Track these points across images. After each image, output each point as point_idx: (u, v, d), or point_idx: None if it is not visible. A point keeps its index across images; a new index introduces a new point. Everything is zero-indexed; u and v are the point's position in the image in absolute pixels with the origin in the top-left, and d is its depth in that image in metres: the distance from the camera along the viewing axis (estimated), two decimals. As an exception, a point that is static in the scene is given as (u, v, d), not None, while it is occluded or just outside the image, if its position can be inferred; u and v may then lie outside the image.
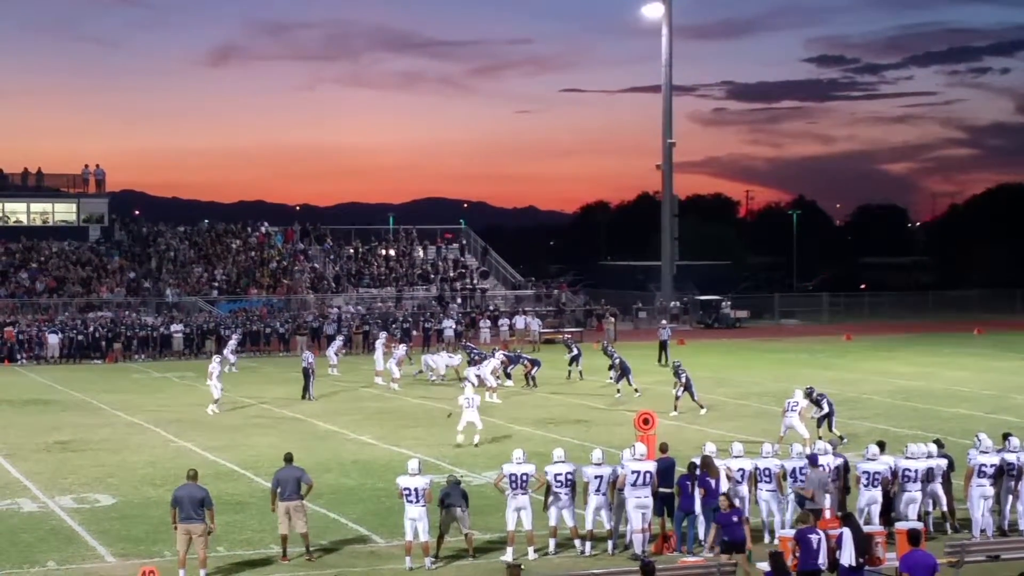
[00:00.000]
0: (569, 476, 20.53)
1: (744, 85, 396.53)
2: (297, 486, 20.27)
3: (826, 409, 31.33)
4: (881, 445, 22.08)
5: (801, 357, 56.24)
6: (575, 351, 46.79)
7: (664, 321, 58.70)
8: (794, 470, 21.22)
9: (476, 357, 44.61)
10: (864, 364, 52.43)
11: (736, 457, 21.49)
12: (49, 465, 29.15)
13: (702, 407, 36.84)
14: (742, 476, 21.25)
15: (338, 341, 52.33)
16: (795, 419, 30.44)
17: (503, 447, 29.76)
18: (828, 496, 20.91)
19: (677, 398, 36.93)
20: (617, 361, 41.24)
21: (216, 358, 40.39)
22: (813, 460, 21.20)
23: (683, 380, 36.85)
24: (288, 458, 20.81)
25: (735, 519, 19.02)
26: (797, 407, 30.63)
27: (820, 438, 28.36)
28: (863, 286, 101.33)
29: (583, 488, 20.66)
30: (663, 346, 53.34)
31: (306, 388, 40.98)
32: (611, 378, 41.49)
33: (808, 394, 31.50)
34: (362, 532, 22.22)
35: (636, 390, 41.01)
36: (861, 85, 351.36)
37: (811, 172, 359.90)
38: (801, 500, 20.92)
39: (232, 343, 52.27)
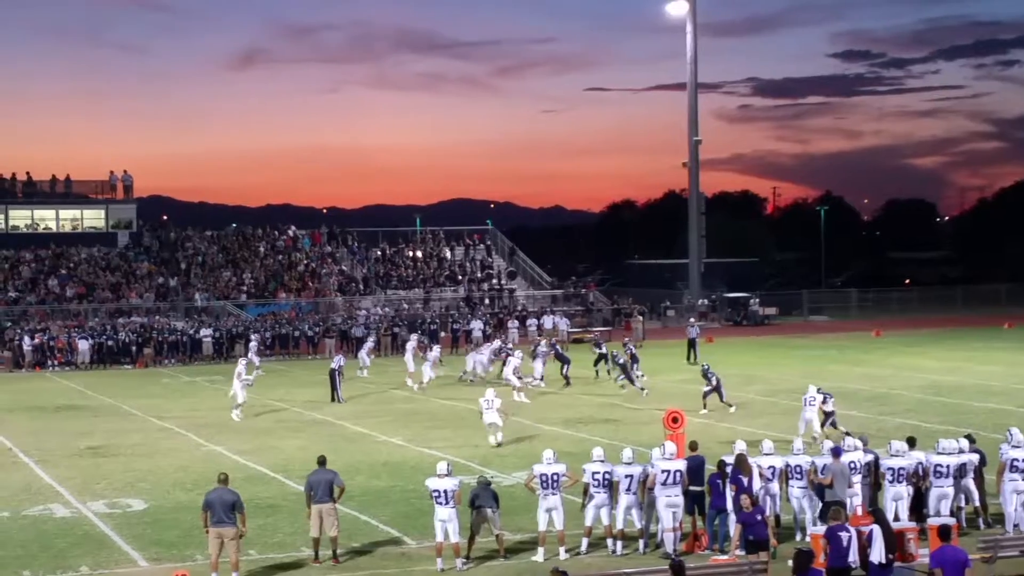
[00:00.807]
0: (607, 475, 20.53)
1: (769, 81, 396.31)
2: (329, 489, 20.31)
3: (829, 407, 31.34)
4: (911, 441, 22.02)
5: (830, 354, 56.07)
6: (602, 350, 46.78)
7: (692, 319, 58.60)
8: (824, 467, 21.14)
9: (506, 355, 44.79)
10: (894, 360, 52.25)
11: (767, 455, 21.44)
12: (81, 470, 29.30)
13: (731, 406, 36.77)
14: (773, 473, 21.22)
15: (369, 343, 52.47)
16: (813, 413, 30.63)
17: (532, 447, 29.79)
18: (853, 490, 20.87)
19: (705, 395, 36.90)
20: (621, 361, 41.91)
21: (241, 361, 40.53)
22: (837, 452, 21.12)
23: (713, 382, 36.81)
24: (321, 461, 20.87)
25: (758, 518, 18.99)
26: (815, 402, 30.66)
27: (823, 436, 28.51)
28: (907, 281, 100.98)
29: (614, 487, 20.65)
30: (691, 344, 53.33)
31: (334, 390, 41.11)
32: (617, 378, 42.05)
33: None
34: (393, 534, 22.26)
35: (638, 386, 41.58)
36: (887, 80, 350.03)
37: (838, 168, 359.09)
38: (820, 491, 20.81)
39: (253, 344, 52.43)
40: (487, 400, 31.78)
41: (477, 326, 62.45)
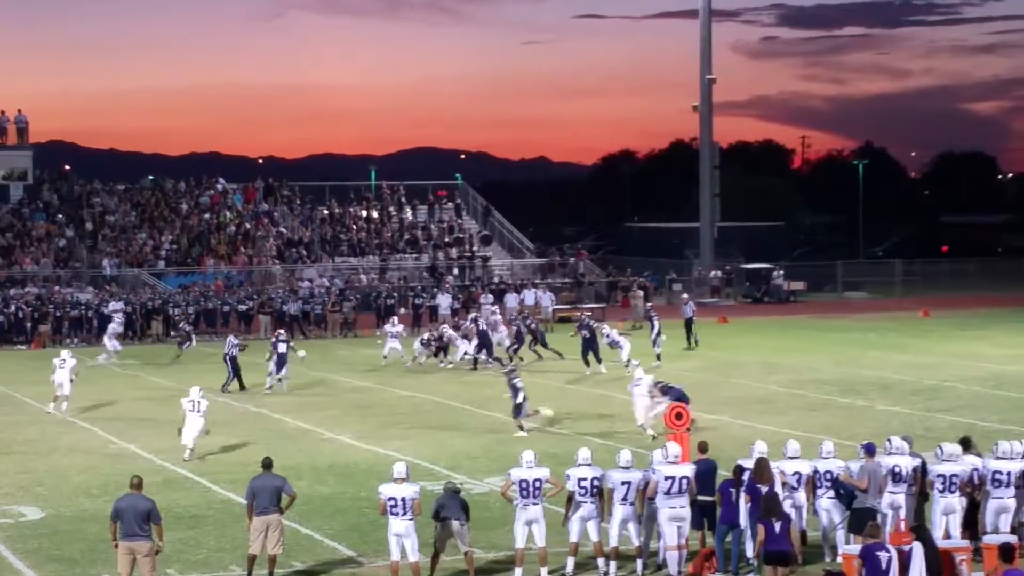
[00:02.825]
0: (595, 482, 20.55)
1: (799, 9, 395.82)
2: (276, 497, 20.32)
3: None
4: (965, 443, 22.08)
5: (869, 337, 56.24)
6: (588, 334, 46.79)
7: (685, 295, 58.33)
8: (860, 468, 21.16)
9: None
10: (945, 345, 52.47)
11: (791, 458, 21.48)
12: (-36, 472, 29.28)
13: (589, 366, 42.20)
14: (798, 481, 21.26)
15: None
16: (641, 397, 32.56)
17: (510, 448, 29.80)
18: (896, 499, 20.97)
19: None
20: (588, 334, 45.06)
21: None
22: (869, 450, 21.16)
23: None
24: (266, 464, 20.79)
25: (777, 529, 19.12)
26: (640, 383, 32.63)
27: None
28: (944, 249, 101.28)
29: (607, 497, 20.70)
30: (688, 325, 52.97)
31: (234, 377, 41.16)
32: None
33: None
34: (340, 550, 22.30)
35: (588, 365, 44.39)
36: (940, 8, 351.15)
37: (880, 113, 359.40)
38: (849, 498, 20.86)
39: (114, 326, 51.96)
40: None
41: (444, 301, 62.38)
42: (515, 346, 47.26)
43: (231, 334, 45.51)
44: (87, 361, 46.79)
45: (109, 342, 49.84)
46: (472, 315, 51.81)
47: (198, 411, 30.69)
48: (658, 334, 46.77)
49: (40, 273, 65.84)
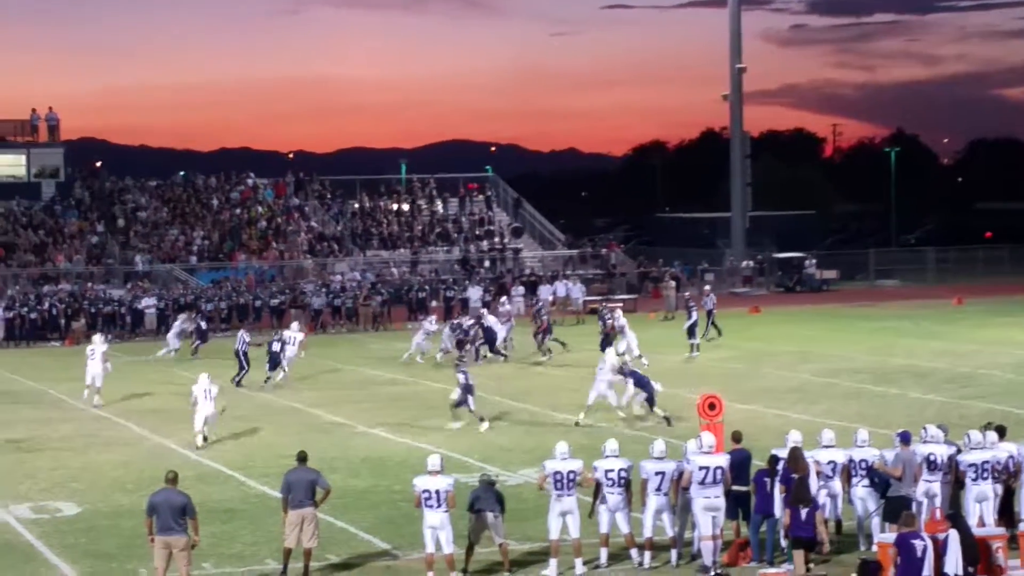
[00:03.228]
0: (623, 473, 20.57)
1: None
2: (311, 491, 20.38)
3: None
4: (1001, 430, 22.01)
5: (903, 326, 56.10)
6: (607, 326, 46.73)
7: (708, 287, 58.15)
8: (895, 456, 21.12)
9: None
10: (979, 333, 52.29)
11: (826, 447, 21.48)
12: (0, 468, 29.41)
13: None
14: (833, 470, 21.26)
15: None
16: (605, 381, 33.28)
17: (543, 440, 29.81)
18: (931, 487, 20.93)
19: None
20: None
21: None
22: (905, 438, 21.14)
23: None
24: (301, 457, 20.84)
25: (804, 515, 19.20)
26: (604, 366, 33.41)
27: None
28: (988, 235, 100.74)
29: (640, 487, 20.71)
30: (709, 317, 52.64)
31: (246, 371, 41.21)
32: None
33: None
34: (375, 543, 22.36)
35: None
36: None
37: (912, 100, 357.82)
38: (884, 486, 20.83)
39: (179, 324, 51.65)
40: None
41: (475, 294, 62.39)
42: (542, 337, 47.19)
43: (242, 330, 45.36)
44: (120, 356, 46.89)
45: (173, 340, 49.79)
46: (541, 307, 51.76)
47: (208, 398, 31.16)
48: (694, 324, 46.63)
49: (73, 270, 66.09)
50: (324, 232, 74.70)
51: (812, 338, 51.88)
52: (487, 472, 24.21)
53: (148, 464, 29.01)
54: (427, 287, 64.83)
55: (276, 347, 41.45)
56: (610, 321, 44.85)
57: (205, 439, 31.03)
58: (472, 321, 48.29)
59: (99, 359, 37.94)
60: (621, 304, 55.00)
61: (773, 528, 20.64)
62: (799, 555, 19.63)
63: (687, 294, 55.29)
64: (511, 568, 20.40)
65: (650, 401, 32.73)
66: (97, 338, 39.94)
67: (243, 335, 42.80)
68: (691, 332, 46.81)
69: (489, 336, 46.52)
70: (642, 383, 32.76)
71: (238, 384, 40.58)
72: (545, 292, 63.33)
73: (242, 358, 41.36)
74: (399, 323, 59.06)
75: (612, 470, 20.57)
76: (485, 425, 32.63)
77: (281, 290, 62.81)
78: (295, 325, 44.84)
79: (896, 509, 19.59)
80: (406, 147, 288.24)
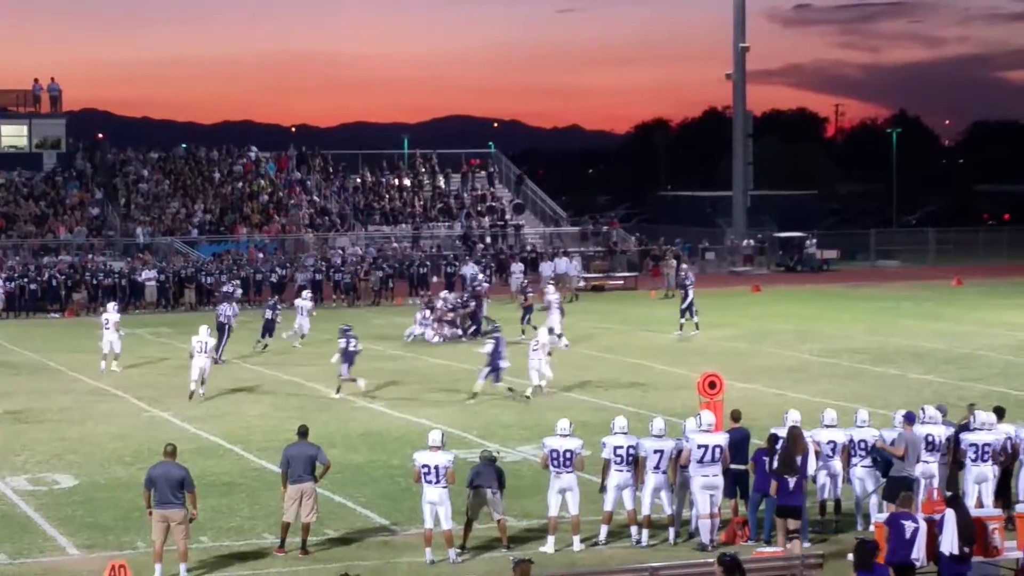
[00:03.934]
0: (631, 450, 20.56)
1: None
2: (311, 466, 20.36)
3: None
4: (999, 412, 22.01)
5: (903, 306, 56.10)
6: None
7: (685, 266, 57.29)
8: (897, 436, 21.10)
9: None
10: (978, 314, 52.28)
11: (826, 427, 21.47)
12: (-1, 439, 29.41)
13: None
14: (833, 450, 21.25)
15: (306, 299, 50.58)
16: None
17: (543, 417, 29.82)
18: (928, 468, 20.92)
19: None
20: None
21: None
22: (909, 418, 21.12)
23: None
24: (302, 431, 20.84)
25: (791, 484, 19.28)
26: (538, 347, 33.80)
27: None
28: (984, 217, 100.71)
29: (640, 465, 20.67)
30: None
31: (224, 343, 41.03)
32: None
33: None
34: (373, 518, 22.35)
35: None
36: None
37: (914, 82, 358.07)
38: (885, 467, 20.79)
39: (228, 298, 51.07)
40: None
41: (469, 271, 61.58)
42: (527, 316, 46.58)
43: (224, 302, 45.08)
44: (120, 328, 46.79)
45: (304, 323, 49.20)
46: (525, 286, 51.58)
47: (204, 351, 31.98)
48: (691, 303, 46.41)
49: (74, 241, 66.06)
50: (326, 207, 74.64)
51: (812, 317, 51.85)
52: (487, 448, 24.15)
53: (146, 437, 29.00)
54: (428, 262, 64.79)
55: (268, 314, 42.46)
56: (532, 295, 46.85)
57: (202, 393, 31.41)
58: (467, 295, 48.23)
59: (112, 328, 38.70)
60: (553, 281, 54.85)
61: (771, 507, 20.62)
62: (782, 524, 19.72)
63: (682, 272, 54.98)
64: (509, 544, 20.36)
65: (496, 374, 33.27)
66: (111, 306, 40.69)
67: (225, 307, 42.48)
68: (688, 311, 46.52)
69: (475, 318, 46.53)
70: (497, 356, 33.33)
71: (218, 355, 40.41)
72: (546, 269, 63.21)
73: (223, 329, 41.23)
74: (400, 298, 59.01)
75: (620, 447, 20.55)
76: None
77: (282, 263, 62.71)
78: (306, 293, 45.63)
79: (896, 489, 19.57)
80: (409, 122, 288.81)
